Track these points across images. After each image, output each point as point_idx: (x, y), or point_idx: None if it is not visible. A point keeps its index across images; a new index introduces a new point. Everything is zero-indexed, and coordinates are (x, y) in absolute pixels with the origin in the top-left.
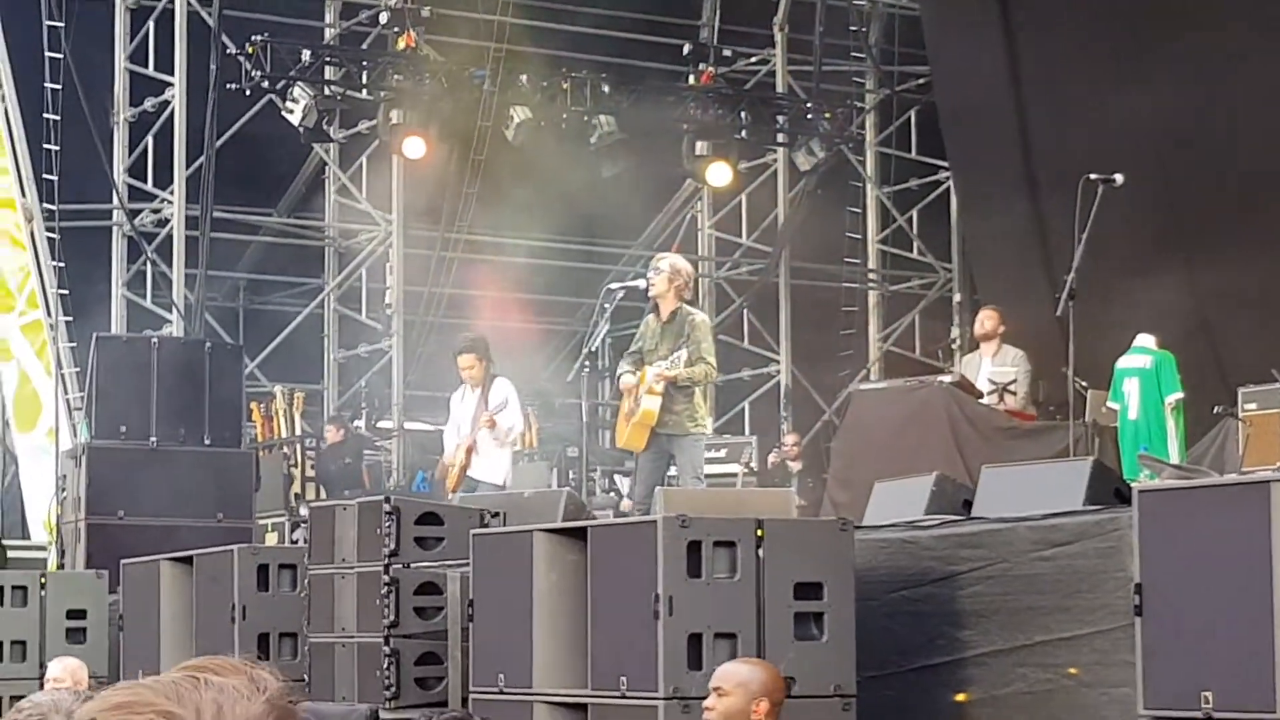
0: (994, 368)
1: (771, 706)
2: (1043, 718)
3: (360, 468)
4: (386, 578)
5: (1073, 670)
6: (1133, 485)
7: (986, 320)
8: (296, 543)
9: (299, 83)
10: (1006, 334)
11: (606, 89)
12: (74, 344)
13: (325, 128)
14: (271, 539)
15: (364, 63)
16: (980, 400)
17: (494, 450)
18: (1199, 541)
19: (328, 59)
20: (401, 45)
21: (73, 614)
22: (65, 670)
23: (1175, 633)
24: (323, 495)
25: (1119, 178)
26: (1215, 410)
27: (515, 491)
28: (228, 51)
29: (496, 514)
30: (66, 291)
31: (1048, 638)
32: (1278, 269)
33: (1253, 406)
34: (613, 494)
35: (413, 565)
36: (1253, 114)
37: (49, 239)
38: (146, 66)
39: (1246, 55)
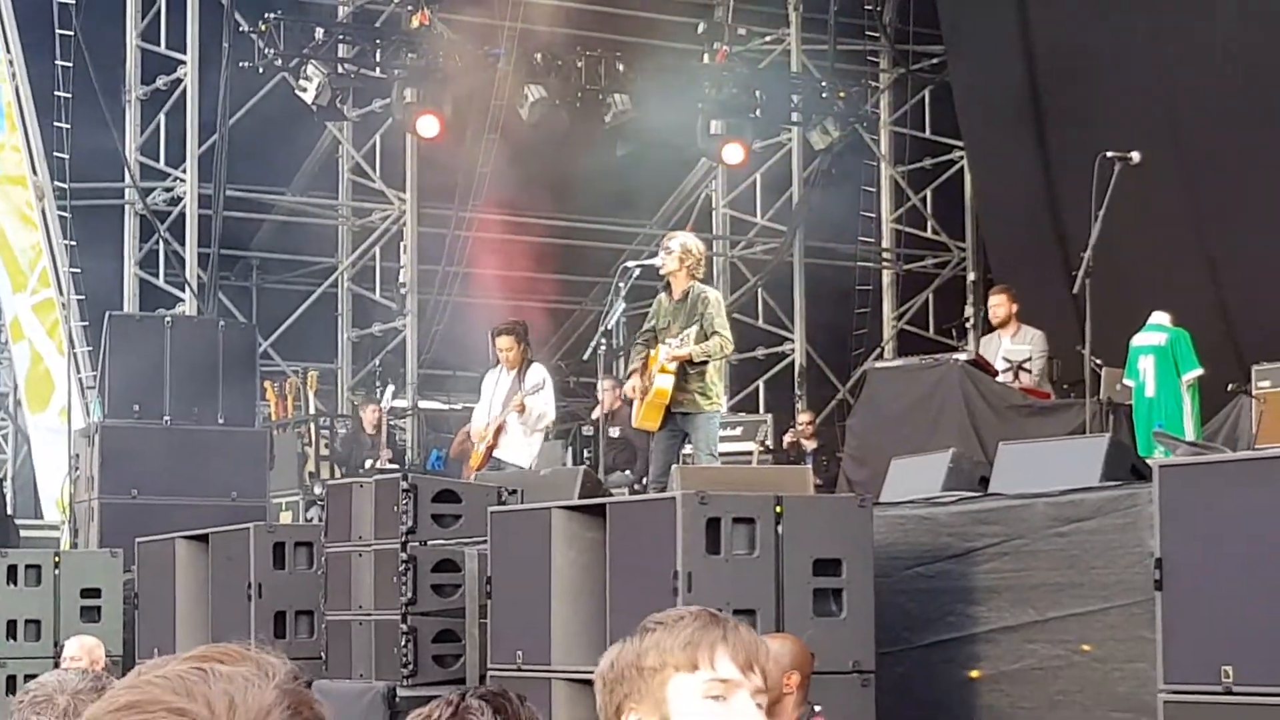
0: (1012, 345)
1: (803, 679)
2: (1053, 693)
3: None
4: (404, 555)
5: (1086, 646)
6: (1151, 461)
7: (998, 307)
8: (311, 521)
9: (312, 61)
10: (1021, 313)
11: (621, 67)
12: (86, 323)
13: (339, 106)
14: (286, 517)
15: (378, 41)
16: (995, 378)
17: (522, 434)
18: (1218, 516)
19: (341, 37)
20: (415, 23)
21: (87, 593)
22: (83, 649)
23: (1195, 607)
24: (338, 475)
25: (1135, 155)
26: (1229, 388)
27: (531, 469)
28: (241, 29)
29: (514, 491)
30: (79, 270)
31: (1060, 613)
32: None
33: (1266, 384)
34: (627, 472)
35: (430, 543)
36: (1271, 90)
37: (61, 217)
38: (159, 44)
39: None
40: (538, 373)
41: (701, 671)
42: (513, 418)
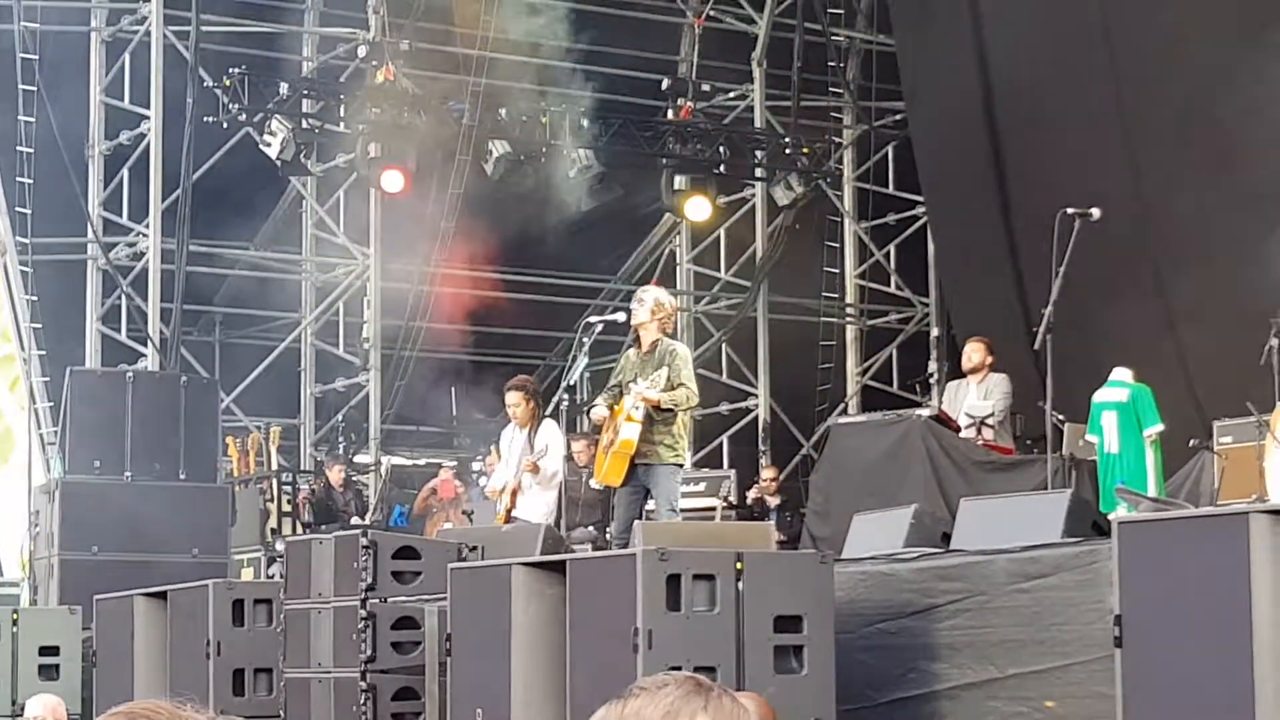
0: (976, 400)
1: None
2: None
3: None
4: (363, 612)
5: (1049, 703)
6: (1111, 517)
7: (974, 354)
8: (273, 578)
9: (276, 115)
10: (994, 365)
11: (585, 123)
12: (47, 378)
13: (303, 161)
14: (248, 574)
15: (342, 96)
16: (958, 434)
17: (538, 491)
18: (1178, 573)
19: (305, 92)
20: (380, 78)
21: (45, 650)
22: (45, 708)
23: (1155, 664)
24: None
25: (1095, 212)
26: (1191, 444)
27: (492, 526)
28: (205, 84)
29: (475, 548)
30: (40, 325)
31: (1021, 670)
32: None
33: (1228, 440)
34: (590, 528)
35: (390, 600)
36: (1229, 143)
37: (22, 272)
38: (122, 99)
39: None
40: (546, 432)
41: None
42: (527, 478)
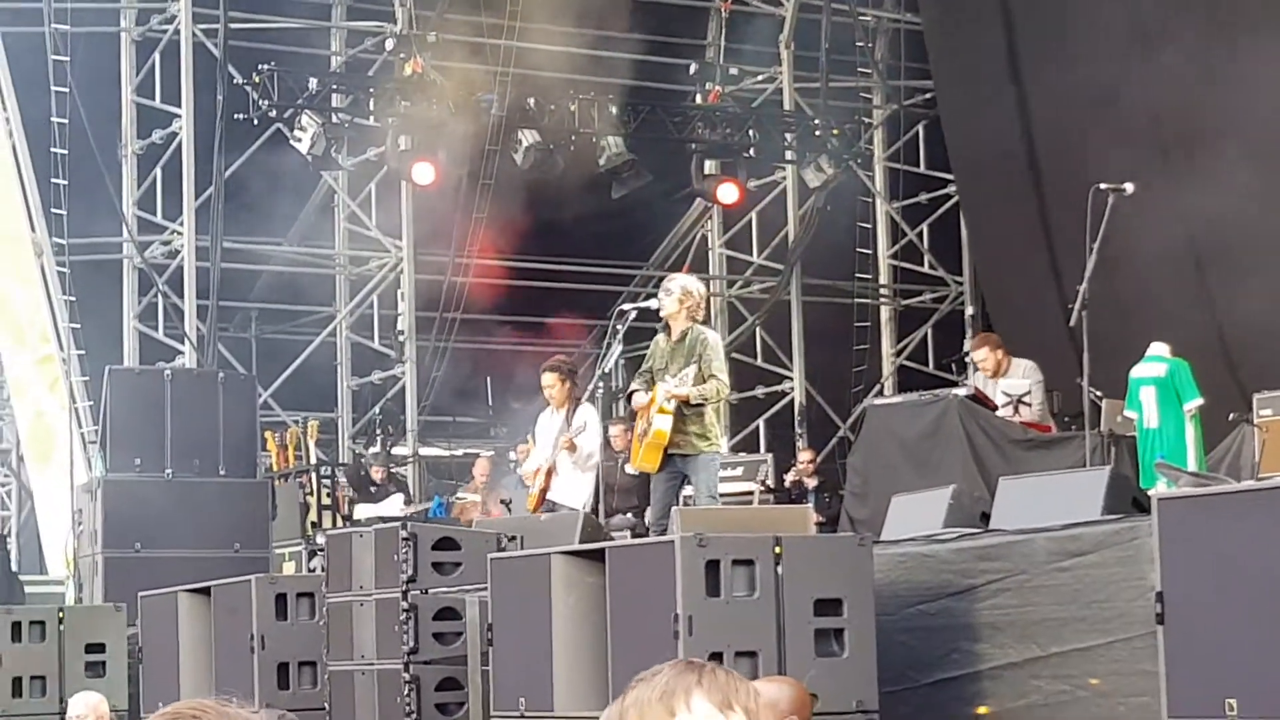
0: (1007, 381)
1: None
2: None
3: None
4: (405, 604)
5: (1093, 681)
6: (1151, 493)
7: (984, 362)
8: (314, 571)
9: (306, 111)
10: (1011, 350)
11: (614, 110)
12: (87, 378)
13: (333, 155)
14: (289, 568)
15: (371, 89)
16: (995, 412)
17: (574, 474)
18: (1219, 548)
19: (334, 87)
20: (409, 71)
21: (91, 648)
22: (87, 706)
23: (1198, 640)
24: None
25: (1129, 187)
26: (1231, 417)
27: (531, 515)
28: (234, 82)
29: (514, 537)
30: (78, 325)
31: (1063, 649)
32: None
33: (1268, 412)
34: (629, 515)
35: (431, 591)
36: (1261, 116)
37: (60, 273)
38: (153, 99)
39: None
40: (584, 412)
41: (679, 716)
42: (563, 458)
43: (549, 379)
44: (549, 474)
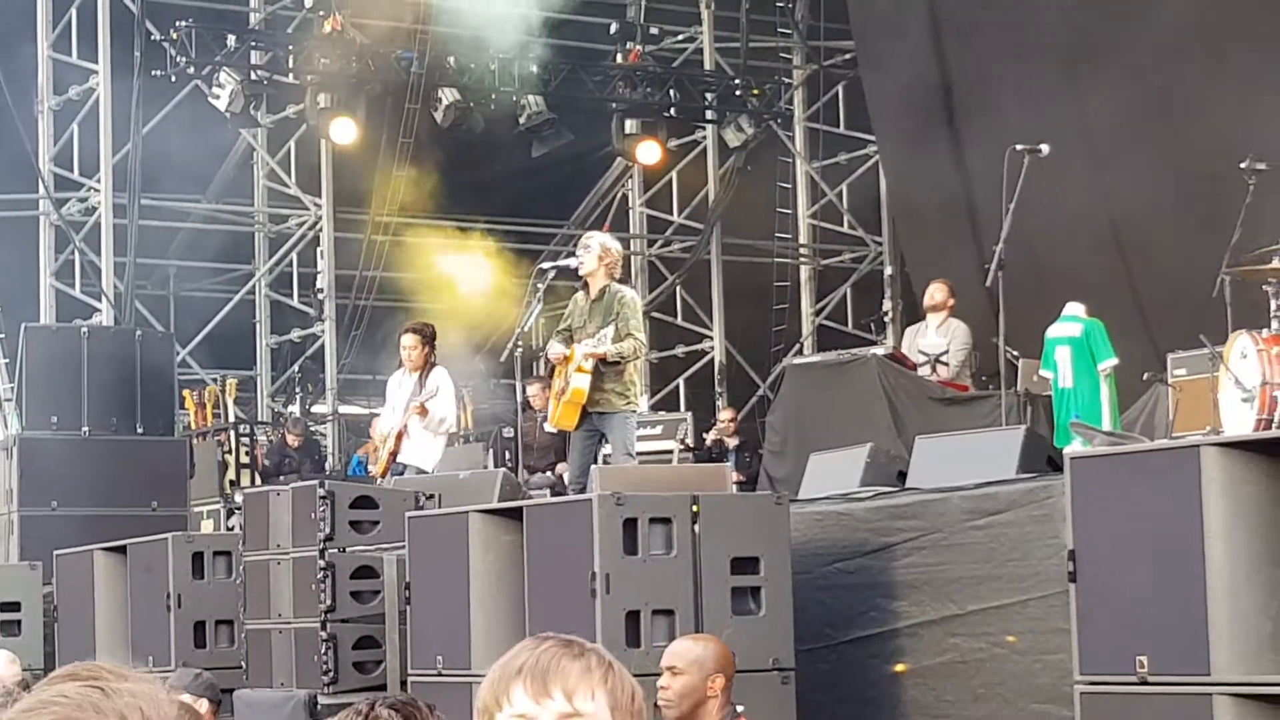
0: (936, 336)
1: (726, 681)
2: (976, 685)
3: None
4: (322, 562)
5: (1010, 638)
6: (1064, 452)
7: (936, 293)
8: (232, 530)
9: (225, 68)
10: (955, 309)
11: (534, 69)
12: (3, 335)
13: (252, 113)
14: (207, 526)
15: (290, 46)
16: (914, 371)
17: (425, 437)
18: (1131, 507)
19: (253, 44)
20: (328, 29)
21: (6, 606)
22: None
23: (1109, 598)
24: (258, 484)
25: (1045, 148)
26: (1145, 377)
27: (450, 474)
28: (152, 37)
29: (431, 496)
30: None
31: (980, 606)
32: (1207, 236)
33: (1182, 372)
34: (548, 474)
35: (348, 549)
36: (1177, 78)
37: None
38: (70, 54)
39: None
40: (437, 376)
41: (503, 710)
42: (414, 421)
43: (410, 340)
44: (399, 437)
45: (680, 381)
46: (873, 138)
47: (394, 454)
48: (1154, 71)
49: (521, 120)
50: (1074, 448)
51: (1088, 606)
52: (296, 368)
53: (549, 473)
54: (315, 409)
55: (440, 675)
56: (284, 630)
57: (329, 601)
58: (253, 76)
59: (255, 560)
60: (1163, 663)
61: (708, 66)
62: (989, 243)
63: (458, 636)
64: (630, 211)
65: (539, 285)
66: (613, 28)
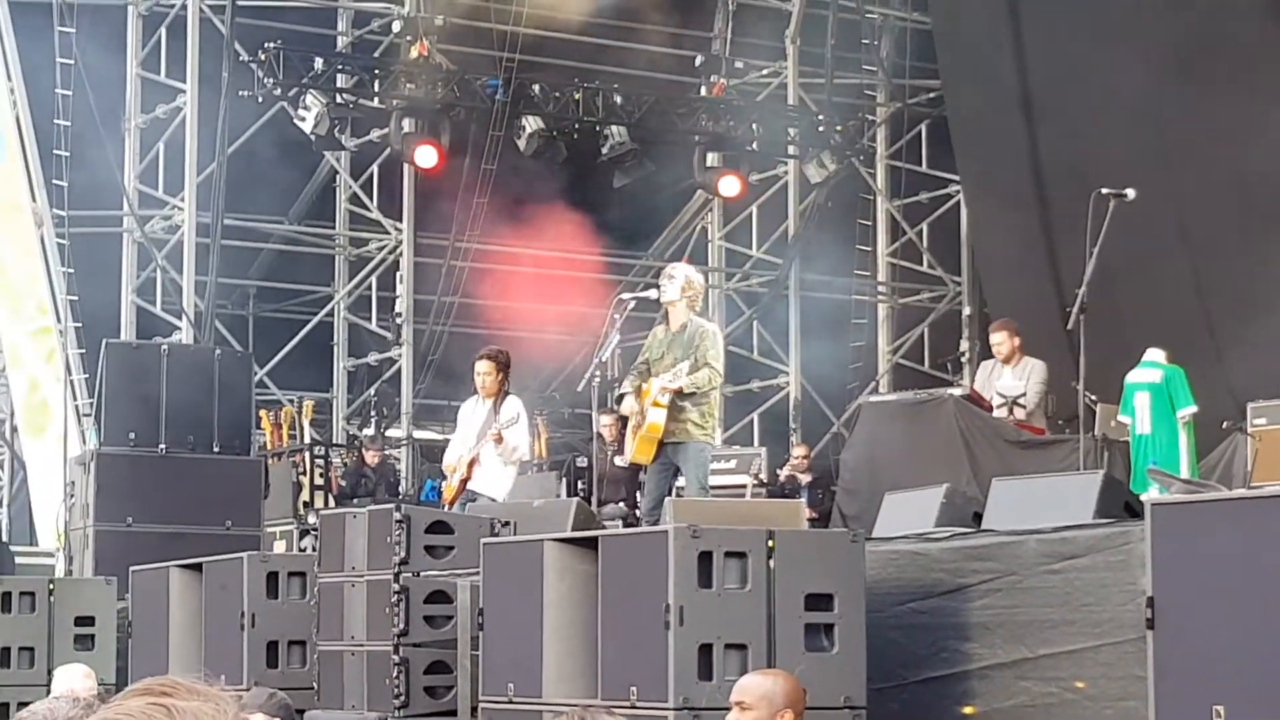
0: (1012, 378)
1: (795, 717)
2: None
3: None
4: (396, 586)
5: (1079, 684)
6: (1144, 498)
7: (1000, 345)
8: (305, 551)
9: (311, 90)
10: (1023, 345)
11: (619, 99)
12: (83, 350)
13: (337, 136)
14: (280, 546)
15: (376, 71)
16: (990, 413)
17: (497, 465)
18: (1210, 555)
19: (340, 67)
20: (414, 54)
21: (81, 620)
22: (74, 678)
23: (1187, 646)
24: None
25: (1130, 193)
26: (1224, 425)
27: (524, 501)
28: (240, 59)
29: (507, 523)
30: (76, 298)
31: (1052, 651)
32: None
33: (1262, 421)
34: (620, 505)
35: (422, 574)
36: (1260, 127)
37: (59, 245)
38: (159, 73)
39: (1256, 67)
40: (513, 405)
41: None
42: (488, 449)
43: (484, 366)
44: (471, 464)
45: (755, 416)
46: (955, 177)
47: (465, 481)
48: (1236, 103)
49: (604, 150)
50: (1153, 494)
51: (1165, 654)
52: (373, 391)
53: (619, 504)
54: (390, 433)
55: (511, 703)
56: (356, 652)
57: (402, 625)
58: (338, 100)
59: (330, 582)
60: (1240, 713)
61: (791, 101)
62: (1070, 285)
63: (530, 664)
64: (709, 244)
65: (618, 316)
66: (698, 60)
